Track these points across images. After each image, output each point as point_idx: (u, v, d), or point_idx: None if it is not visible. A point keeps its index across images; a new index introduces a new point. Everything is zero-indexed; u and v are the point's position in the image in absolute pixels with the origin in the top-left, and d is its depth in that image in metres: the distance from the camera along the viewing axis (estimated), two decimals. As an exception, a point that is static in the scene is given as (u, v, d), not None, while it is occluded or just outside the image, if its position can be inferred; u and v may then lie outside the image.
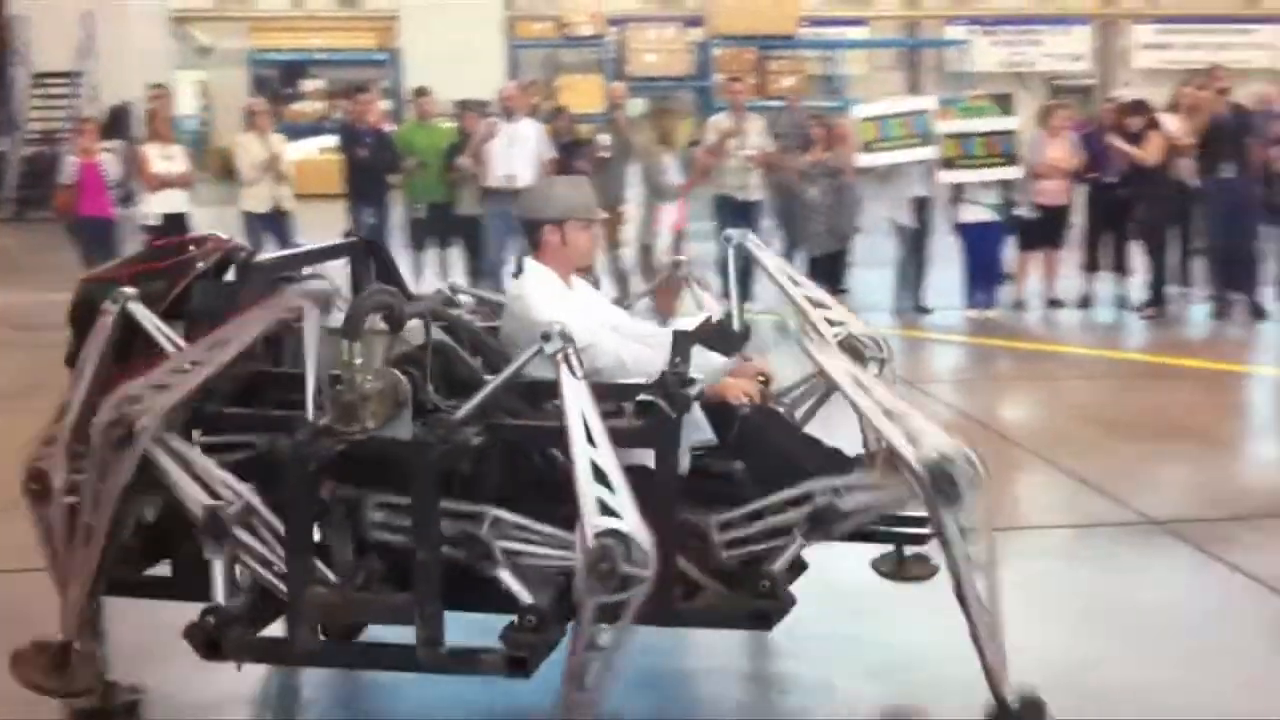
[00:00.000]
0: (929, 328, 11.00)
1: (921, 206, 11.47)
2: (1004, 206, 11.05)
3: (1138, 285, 11.45)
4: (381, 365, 3.59)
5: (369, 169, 12.12)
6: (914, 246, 11.34)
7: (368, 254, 4.65)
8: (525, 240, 4.39)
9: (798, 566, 4.04)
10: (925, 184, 11.36)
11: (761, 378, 4.40)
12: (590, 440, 3.43)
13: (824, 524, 3.77)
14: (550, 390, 3.59)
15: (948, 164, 11.03)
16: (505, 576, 3.59)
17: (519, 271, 4.35)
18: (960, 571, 3.54)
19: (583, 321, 3.93)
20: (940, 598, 3.73)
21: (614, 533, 3.36)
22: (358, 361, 3.54)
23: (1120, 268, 11.49)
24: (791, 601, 3.84)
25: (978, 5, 33.44)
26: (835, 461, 4.06)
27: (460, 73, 20.06)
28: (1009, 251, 11.49)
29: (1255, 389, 9.48)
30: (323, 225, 11.54)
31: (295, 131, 19.52)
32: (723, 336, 4.48)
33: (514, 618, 3.56)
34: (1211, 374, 9.36)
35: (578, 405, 3.46)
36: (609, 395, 3.70)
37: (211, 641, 3.67)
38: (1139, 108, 11.26)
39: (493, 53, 26.72)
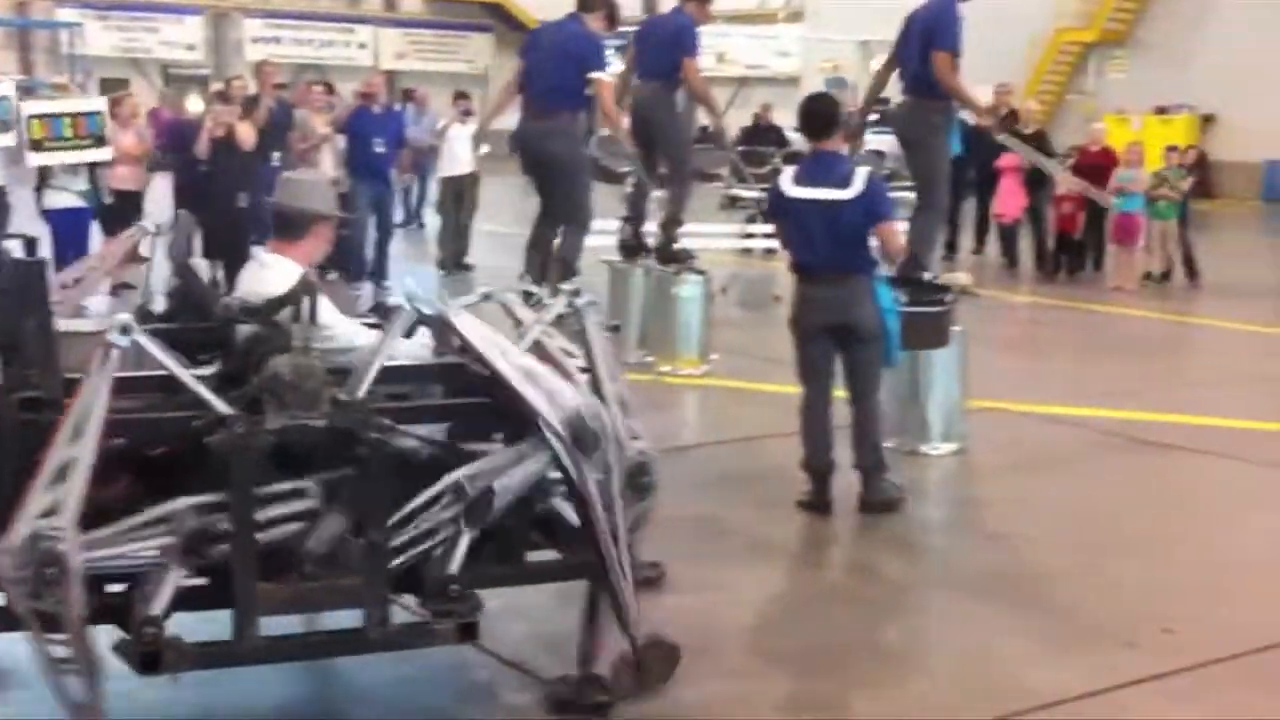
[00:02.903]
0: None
1: None
2: (91, 192, 11.28)
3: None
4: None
5: None
6: None
7: None
8: (278, 231, 4.24)
9: None
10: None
11: None
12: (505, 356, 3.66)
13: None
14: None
15: (36, 146, 10.99)
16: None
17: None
18: (598, 519, 3.72)
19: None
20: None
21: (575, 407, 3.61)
22: (317, 347, 3.47)
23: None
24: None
25: (90, -10, 33.00)
26: None
27: None
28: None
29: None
30: None
31: None
32: None
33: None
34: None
35: (483, 336, 3.68)
36: (397, 378, 3.79)
37: (150, 655, 3.39)
38: (222, 96, 12.10)
39: None
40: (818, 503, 6.10)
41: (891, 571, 5.63)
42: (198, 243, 11.40)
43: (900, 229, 6.28)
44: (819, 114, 6.14)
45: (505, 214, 16.40)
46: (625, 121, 8.70)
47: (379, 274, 12.42)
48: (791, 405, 6.27)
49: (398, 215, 17.32)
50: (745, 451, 7.29)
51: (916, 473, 7.10)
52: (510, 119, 9.03)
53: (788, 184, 6.03)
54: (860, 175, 5.90)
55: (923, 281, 7.17)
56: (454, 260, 14.20)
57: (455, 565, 3.63)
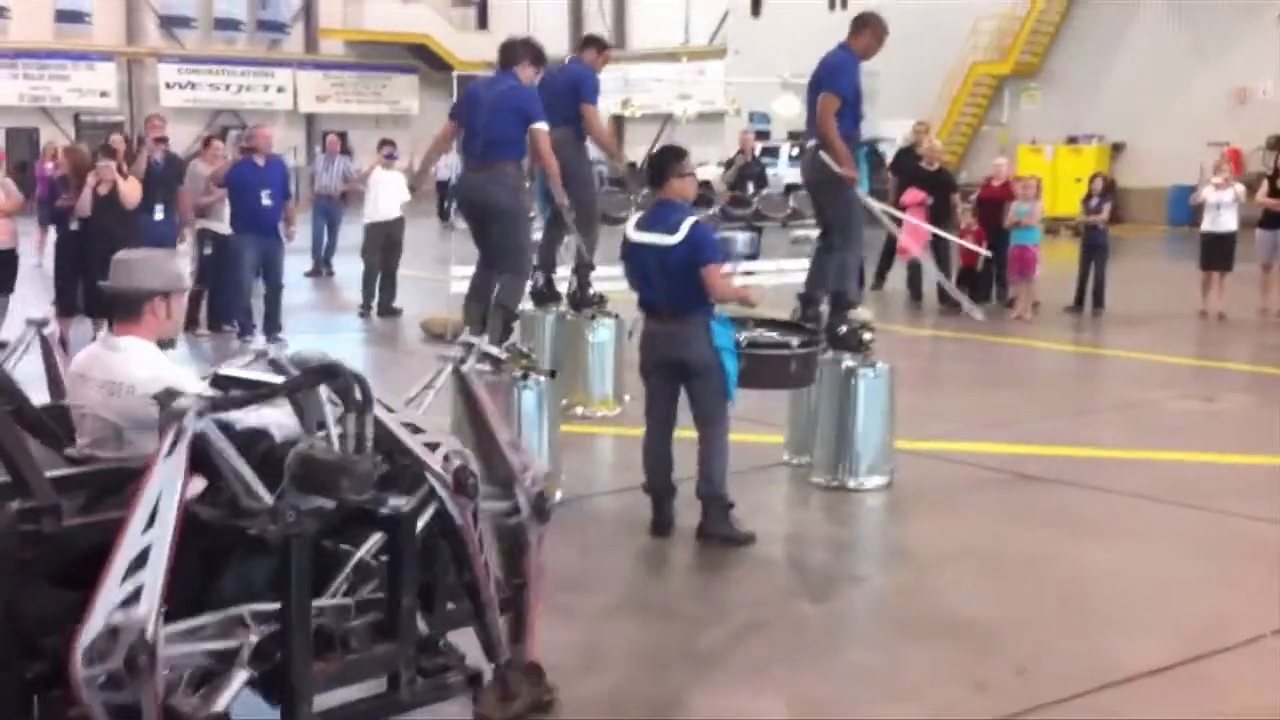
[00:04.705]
0: None
1: None
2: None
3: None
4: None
5: None
6: None
7: None
8: (118, 313, 4.22)
9: None
10: None
11: None
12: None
13: None
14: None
15: None
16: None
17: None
18: (532, 573, 4.22)
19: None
20: None
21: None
22: (369, 432, 3.48)
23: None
24: None
25: (-4, 37, 32.61)
26: None
27: None
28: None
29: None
30: None
31: None
32: None
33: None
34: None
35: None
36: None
37: None
38: (106, 151, 11.75)
39: None
40: (658, 522, 6.49)
41: (744, 617, 5.57)
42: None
43: (725, 273, 6.52)
44: (654, 165, 6.58)
45: (425, 258, 16.40)
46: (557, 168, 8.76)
47: (272, 328, 12.17)
48: (693, 451, 6.46)
49: (306, 264, 17.29)
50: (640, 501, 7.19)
51: (795, 511, 7.15)
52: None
53: (630, 229, 6.46)
54: (686, 223, 6.26)
55: (797, 324, 7.29)
56: (384, 306, 14.18)
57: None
